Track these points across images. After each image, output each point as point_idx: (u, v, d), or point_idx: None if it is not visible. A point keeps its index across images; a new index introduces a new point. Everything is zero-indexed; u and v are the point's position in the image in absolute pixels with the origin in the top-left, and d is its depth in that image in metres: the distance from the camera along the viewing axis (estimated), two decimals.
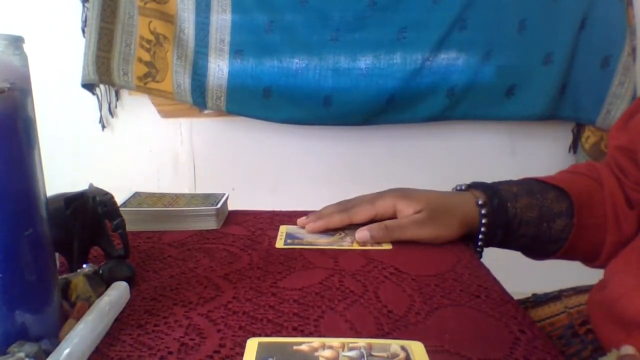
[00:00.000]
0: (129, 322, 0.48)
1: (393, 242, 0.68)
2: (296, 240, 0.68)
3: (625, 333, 0.48)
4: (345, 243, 0.67)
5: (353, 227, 0.73)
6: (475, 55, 1.53)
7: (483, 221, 0.63)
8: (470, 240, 0.66)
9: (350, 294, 0.54)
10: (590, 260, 0.66)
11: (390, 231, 0.64)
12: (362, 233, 0.65)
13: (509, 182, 0.67)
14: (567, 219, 0.62)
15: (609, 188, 0.62)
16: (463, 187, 0.68)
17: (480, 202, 0.63)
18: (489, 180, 0.70)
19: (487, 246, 0.66)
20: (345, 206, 0.68)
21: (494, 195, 0.64)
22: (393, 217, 0.66)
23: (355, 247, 0.67)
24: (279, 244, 0.67)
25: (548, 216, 0.63)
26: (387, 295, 0.54)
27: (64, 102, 1.65)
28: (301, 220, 0.69)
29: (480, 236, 0.63)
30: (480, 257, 0.66)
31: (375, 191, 0.70)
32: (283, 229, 0.72)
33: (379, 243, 0.68)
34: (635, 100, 0.65)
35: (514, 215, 0.63)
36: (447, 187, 0.69)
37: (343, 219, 0.67)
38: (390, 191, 0.67)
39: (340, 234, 0.70)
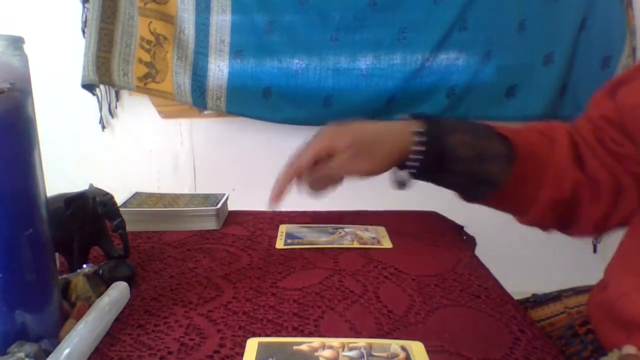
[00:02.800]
0: (129, 322, 0.48)
1: (392, 238, 0.68)
2: (296, 240, 0.68)
3: (626, 333, 0.48)
4: (346, 241, 0.68)
5: (353, 225, 0.73)
6: (475, 55, 1.53)
7: (414, 148, 0.60)
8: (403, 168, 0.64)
9: (350, 294, 0.54)
10: (521, 213, 0.64)
11: (323, 170, 0.62)
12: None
13: (456, 119, 0.66)
14: (504, 164, 0.60)
15: (560, 146, 0.61)
16: (406, 117, 0.66)
17: (415, 131, 0.61)
18: None
19: (418, 176, 0.63)
20: (287, 163, 0.66)
21: (437, 126, 0.62)
22: (328, 153, 0.63)
23: (356, 245, 0.67)
24: (279, 244, 0.67)
25: (485, 156, 0.61)
26: (387, 295, 0.54)
27: (64, 102, 1.65)
28: (269, 202, 0.67)
29: (408, 163, 0.61)
30: (405, 185, 0.64)
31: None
32: (283, 229, 0.72)
33: (379, 242, 0.68)
34: (624, 71, 0.64)
35: (450, 149, 0.61)
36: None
37: (289, 173, 0.65)
38: (323, 130, 0.65)
39: (340, 233, 0.70)
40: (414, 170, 0.62)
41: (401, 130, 0.62)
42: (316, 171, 0.63)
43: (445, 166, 0.61)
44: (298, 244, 0.67)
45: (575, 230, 0.63)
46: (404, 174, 0.63)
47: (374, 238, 0.69)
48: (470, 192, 0.65)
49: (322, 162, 0.63)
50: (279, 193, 0.65)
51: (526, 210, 0.63)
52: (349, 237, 0.69)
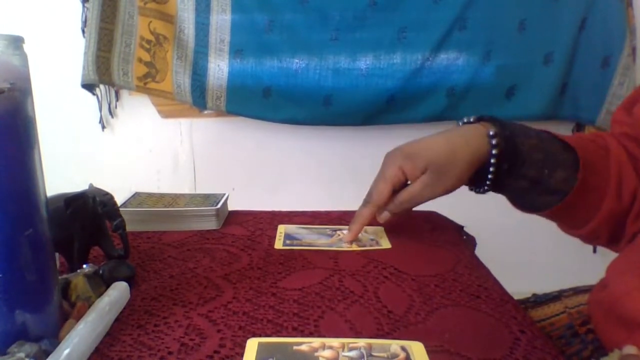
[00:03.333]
0: (129, 322, 0.48)
1: (392, 238, 0.68)
2: (295, 241, 0.68)
3: (627, 333, 0.48)
4: (344, 244, 0.67)
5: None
6: (475, 55, 1.53)
7: (494, 152, 0.58)
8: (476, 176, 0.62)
9: (350, 294, 0.54)
10: (578, 225, 0.62)
11: (403, 203, 0.63)
12: (382, 215, 0.66)
13: (521, 123, 0.63)
14: (570, 172, 0.58)
15: (615, 155, 0.59)
16: (472, 120, 0.64)
17: (491, 133, 0.59)
18: None
19: (493, 184, 0.61)
20: (366, 199, 0.67)
21: (505, 127, 0.60)
22: (404, 181, 0.64)
23: (354, 247, 0.67)
24: (278, 244, 0.67)
25: (552, 163, 0.59)
26: (387, 295, 0.54)
27: (64, 102, 1.65)
28: (346, 237, 0.68)
29: (491, 169, 0.58)
30: (484, 191, 0.62)
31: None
32: (281, 229, 0.72)
33: (378, 243, 0.68)
34: (637, 86, 0.63)
35: (521, 152, 0.58)
36: None
37: (370, 210, 0.66)
38: (394, 156, 0.64)
39: (339, 235, 0.70)
40: (491, 176, 0.59)
41: (476, 137, 0.60)
42: (393, 202, 0.64)
43: (517, 170, 0.59)
44: (297, 245, 0.67)
45: (619, 245, 0.62)
46: (479, 183, 0.62)
47: (372, 239, 0.69)
48: (533, 202, 0.62)
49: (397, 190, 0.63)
50: (357, 233, 0.67)
51: (585, 222, 0.60)
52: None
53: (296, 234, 0.71)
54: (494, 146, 0.58)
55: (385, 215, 0.66)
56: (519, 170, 0.59)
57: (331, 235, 0.70)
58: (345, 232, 0.71)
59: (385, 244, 0.68)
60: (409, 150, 0.63)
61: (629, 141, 0.59)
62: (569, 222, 0.64)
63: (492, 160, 0.59)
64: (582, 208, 0.60)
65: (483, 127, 0.61)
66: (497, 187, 0.63)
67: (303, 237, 0.70)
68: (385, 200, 0.64)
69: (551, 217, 0.64)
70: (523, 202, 0.64)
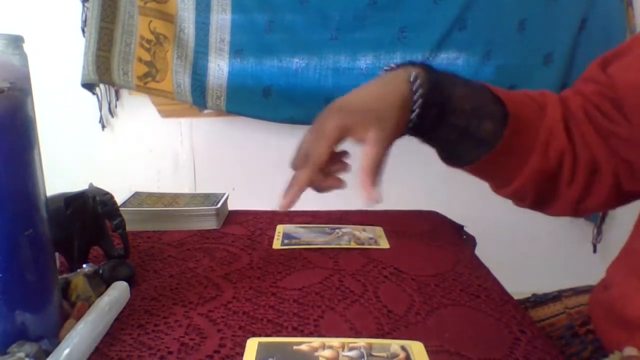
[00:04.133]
0: (129, 322, 0.48)
1: (392, 238, 0.68)
2: (293, 241, 0.68)
3: (628, 334, 0.48)
4: (343, 241, 0.67)
5: (350, 226, 0.73)
6: (475, 55, 1.53)
7: (416, 94, 0.56)
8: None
9: (350, 293, 0.54)
10: (504, 181, 0.61)
11: (369, 168, 0.56)
12: (375, 196, 0.56)
13: (453, 73, 0.61)
14: (498, 124, 0.57)
15: (551, 113, 0.58)
16: (394, 66, 0.62)
17: (413, 75, 0.57)
18: None
19: (418, 131, 0.59)
20: (301, 160, 0.60)
21: (431, 73, 0.58)
22: (343, 137, 0.59)
23: (353, 245, 0.67)
24: (276, 244, 0.67)
25: (480, 114, 0.57)
26: (387, 295, 0.54)
27: (64, 102, 1.64)
28: (282, 203, 0.59)
29: (415, 110, 0.56)
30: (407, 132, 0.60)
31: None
32: (280, 229, 0.72)
33: (376, 242, 0.68)
34: (616, 46, 0.61)
35: (449, 99, 0.57)
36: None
37: (309, 173, 0.58)
38: (329, 112, 0.61)
39: (338, 233, 0.70)
40: (416, 119, 0.57)
41: (401, 81, 0.58)
42: (361, 175, 0.56)
43: (444, 118, 0.57)
44: (295, 244, 0.67)
45: (552, 209, 0.61)
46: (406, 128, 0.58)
47: (371, 238, 0.69)
48: (459, 154, 0.60)
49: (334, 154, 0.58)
50: (294, 198, 0.58)
51: (511, 179, 0.59)
52: (346, 238, 0.69)
53: (294, 233, 0.71)
54: (417, 88, 0.56)
55: (377, 195, 0.56)
56: (448, 119, 0.57)
57: (329, 234, 0.70)
58: (344, 230, 0.71)
59: (384, 243, 0.68)
60: (342, 104, 0.60)
61: (602, 100, 0.56)
62: (496, 179, 0.63)
63: (416, 102, 0.56)
64: (508, 163, 0.59)
65: (405, 71, 0.58)
66: (427, 138, 0.61)
67: (301, 237, 0.70)
68: (325, 160, 0.58)
69: (478, 173, 0.62)
70: (450, 154, 0.62)
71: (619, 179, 0.55)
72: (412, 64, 0.60)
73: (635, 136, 0.52)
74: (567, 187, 0.58)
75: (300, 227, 0.73)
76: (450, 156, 0.62)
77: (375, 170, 0.56)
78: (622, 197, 0.57)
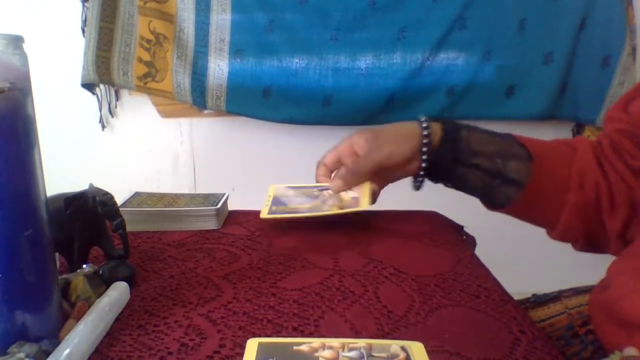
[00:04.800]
0: (129, 322, 0.48)
1: (392, 238, 0.68)
2: (280, 207, 0.69)
3: (627, 334, 0.48)
4: (326, 207, 0.68)
5: (335, 194, 0.73)
6: (475, 55, 1.53)
7: (425, 132, 0.62)
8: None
9: (350, 294, 0.54)
10: (549, 223, 0.63)
11: (352, 171, 0.66)
12: (335, 183, 0.67)
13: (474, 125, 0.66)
14: (525, 163, 0.60)
15: (582, 154, 0.61)
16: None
17: (423, 119, 0.64)
18: None
19: (437, 174, 0.64)
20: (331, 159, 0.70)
21: (451, 122, 0.64)
22: (354, 152, 0.68)
23: (335, 210, 0.68)
24: (264, 212, 0.70)
25: (504, 154, 0.61)
26: (387, 295, 0.54)
27: (64, 102, 1.65)
28: (320, 177, 0.71)
29: (424, 149, 0.62)
30: (419, 187, 0.66)
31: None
32: (271, 191, 0.75)
33: (357, 202, 0.68)
34: (635, 84, 0.63)
35: (467, 141, 0.61)
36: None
37: (319, 169, 0.70)
38: (348, 135, 0.70)
39: (325, 195, 0.71)
40: (425, 164, 0.62)
41: (413, 124, 0.65)
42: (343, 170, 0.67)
43: (463, 160, 0.61)
44: (282, 212, 0.69)
45: (607, 248, 0.63)
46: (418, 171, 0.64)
47: (354, 198, 0.69)
48: (495, 195, 0.63)
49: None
50: (341, 186, 0.67)
51: (555, 218, 0.62)
52: (330, 202, 0.70)
53: (283, 197, 0.72)
54: (424, 128, 0.63)
55: (337, 184, 0.67)
56: (470, 160, 0.61)
57: (317, 197, 0.71)
58: (328, 195, 0.72)
59: (365, 203, 0.67)
60: (360, 130, 0.69)
61: (622, 137, 0.59)
62: (540, 221, 0.65)
63: (425, 141, 0.62)
64: (545, 203, 0.61)
65: (421, 119, 0.65)
66: (453, 180, 0.64)
67: (289, 202, 0.71)
68: (328, 162, 0.69)
69: (521, 214, 0.65)
70: (486, 196, 0.65)
71: None
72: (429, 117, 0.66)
73: None
74: (610, 218, 0.59)
75: (290, 187, 0.76)
76: (488, 199, 0.64)
77: (349, 173, 0.66)
78: None
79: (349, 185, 0.67)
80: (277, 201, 0.71)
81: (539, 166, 0.60)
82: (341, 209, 0.67)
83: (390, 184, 0.71)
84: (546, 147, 0.63)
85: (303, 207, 0.69)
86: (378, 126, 0.68)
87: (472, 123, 0.65)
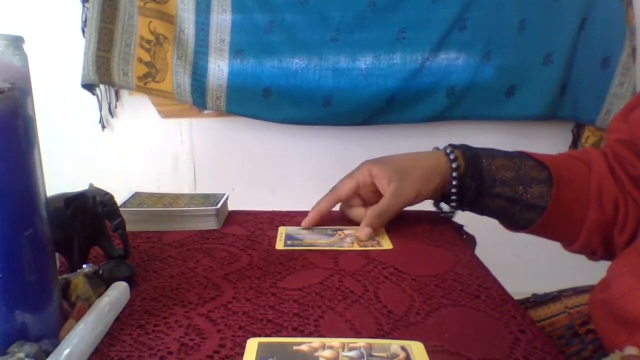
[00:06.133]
0: (129, 322, 0.48)
1: (392, 238, 0.68)
2: (296, 242, 0.68)
3: (628, 333, 0.48)
4: (346, 244, 0.67)
5: (353, 227, 0.73)
6: (475, 55, 1.53)
7: (453, 165, 0.62)
8: (445, 200, 0.66)
9: (350, 294, 0.54)
10: (569, 239, 0.64)
11: (379, 216, 0.66)
12: (363, 231, 0.66)
13: (490, 148, 0.67)
14: (546, 187, 0.61)
15: (597, 168, 0.61)
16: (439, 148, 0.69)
17: (449, 151, 0.64)
18: None
19: (462, 204, 0.64)
20: (330, 190, 0.71)
21: (468, 149, 0.64)
22: (372, 184, 0.68)
23: (356, 247, 0.66)
24: (279, 245, 0.67)
25: (525, 179, 0.61)
26: (387, 295, 0.54)
27: (64, 102, 1.65)
28: (303, 222, 0.72)
29: (454, 182, 0.62)
30: (452, 216, 0.67)
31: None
32: (282, 230, 0.72)
33: (379, 243, 0.68)
34: (635, 94, 0.64)
35: (489, 171, 0.62)
36: None
37: (329, 201, 0.69)
38: (364, 162, 0.70)
39: (340, 235, 0.70)
40: (455, 197, 0.63)
41: (436, 155, 0.64)
42: (366, 216, 0.67)
43: (486, 190, 0.61)
44: (298, 245, 0.67)
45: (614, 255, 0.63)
46: (445, 205, 0.64)
47: (373, 239, 0.69)
48: (516, 221, 0.64)
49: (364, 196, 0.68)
50: (313, 218, 0.69)
51: (575, 235, 0.62)
52: (349, 240, 0.69)
53: (297, 234, 0.71)
54: (452, 160, 0.63)
55: (366, 231, 0.67)
56: (491, 190, 0.62)
57: (332, 235, 0.70)
58: (346, 232, 0.71)
59: (387, 244, 0.68)
60: (378, 159, 0.69)
61: (621, 146, 0.59)
62: (560, 238, 0.66)
63: (454, 174, 0.62)
64: (565, 222, 0.62)
65: (445, 149, 0.65)
66: (476, 208, 0.65)
67: (304, 238, 0.69)
68: (346, 194, 0.69)
69: (543, 235, 0.66)
70: (508, 220, 0.66)
71: None
72: (451, 145, 0.66)
73: None
74: (620, 234, 0.60)
75: (303, 228, 0.73)
76: (510, 222, 0.65)
77: (377, 219, 0.66)
78: None
79: (377, 228, 0.67)
80: (290, 237, 0.69)
81: (558, 188, 0.60)
82: (361, 247, 0.67)
83: None
84: (563, 166, 0.63)
85: (321, 242, 0.68)
86: (390, 156, 0.67)
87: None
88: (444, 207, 0.68)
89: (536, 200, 0.61)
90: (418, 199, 0.63)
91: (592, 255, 0.66)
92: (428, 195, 0.63)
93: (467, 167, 0.62)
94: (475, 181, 0.61)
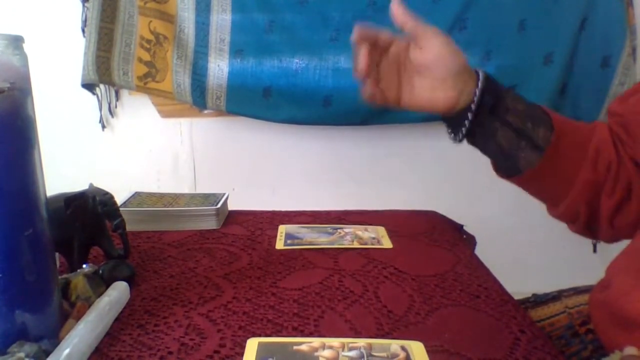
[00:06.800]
0: (129, 322, 0.48)
1: (392, 238, 0.68)
2: (296, 241, 0.68)
3: (627, 333, 0.48)
4: (346, 242, 0.67)
5: (352, 225, 0.73)
6: (475, 55, 1.53)
7: (480, 77, 0.62)
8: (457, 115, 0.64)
9: (350, 294, 0.54)
10: (557, 197, 0.64)
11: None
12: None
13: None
14: (550, 132, 0.61)
15: (599, 135, 0.62)
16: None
17: (478, 70, 0.63)
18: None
19: (476, 120, 0.63)
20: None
21: (489, 76, 0.64)
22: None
23: (356, 245, 0.67)
24: (279, 244, 0.67)
25: (534, 118, 0.62)
26: (387, 295, 0.54)
27: (64, 102, 1.64)
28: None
29: (476, 90, 0.61)
30: (462, 138, 0.65)
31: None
32: (282, 229, 0.72)
33: (379, 242, 0.68)
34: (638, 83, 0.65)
35: (505, 97, 0.62)
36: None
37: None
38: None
39: (340, 233, 0.70)
40: (473, 109, 0.61)
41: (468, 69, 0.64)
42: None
43: (500, 113, 0.61)
44: (298, 244, 0.67)
45: (600, 232, 0.63)
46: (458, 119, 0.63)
47: (374, 238, 0.69)
48: (517, 159, 0.63)
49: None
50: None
51: (564, 193, 0.62)
52: (348, 237, 0.69)
53: (297, 233, 0.71)
54: (477, 73, 0.62)
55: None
56: (504, 115, 0.62)
57: (332, 234, 0.70)
58: (346, 230, 0.71)
59: (387, 243, 0.68)
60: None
61: (619, 127, 0.61)
62: (549, 194, 0.66)
63: (478, 83, 0.61)
64: (561, 173, 0.62)
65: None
66: (484, 134, 0.64)
67: (304, 237, 0.69)
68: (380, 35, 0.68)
69: (533, 183, 0.65)
70: (508, 159, 0.64)
71: None
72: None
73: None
74: (607, 198, 0.60)
75: (303, 227, 0.73)
76: (508, 162, 0.64)
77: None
78: None
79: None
80: (290, 236, 0.69)
81: (559, 137, 0.61)
82: (361, 244, 0.67)
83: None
84: (567, 121, 0.64)
85: (320, 240, 0.68)
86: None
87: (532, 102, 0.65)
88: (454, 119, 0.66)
89: (540, 141, 0.62)
90: (462, 68, 0.62)
91: (574, 222, 0.65)
92: (454, 89, 0.62)
93: (487, 85, 0.62)
94: (492, 99, 0.62)
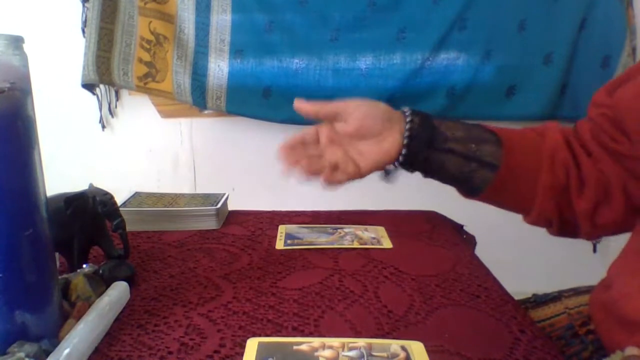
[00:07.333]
0: (129, 322, 0.48)
1: (392, 238, 0.68)
2: (296, 241, 0.68)
3: (628, 333, 0.48)
4: (346, 242, 0.67)
5: (352, 226, 0.73)
6: (475, 55, 1.53)
7: (407, 119, 0.64)
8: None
9: (350, 294, 0.54)
10: (525, 206, 0.64)
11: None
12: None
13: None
14: (496, 147, 0.62)
15: (551, 138, 0.63)
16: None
17: (404, 109, 0.67)
18: None
19: (416, 159, 0.64)
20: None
21: (418, 111, 0.67)
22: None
23: (356, 245, 0.67)
24: (279, 244, 0.67)
25: (476, 139, 0.63)
26: (387, 295, 0.54)
27: (64, 102, 1.64)
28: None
29: (406, 133, 0.64)
30: (393, 174, 0.67)
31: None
32: (282, 229, 0.72)
33: (379, 242, 0.68)
34: (624, 72, 0.64)
35: (439, 127, 0.64)
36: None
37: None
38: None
39: (340, 233, 0.70)
40: (406, 150, 0.63)
41: (396, 112, 0.67)
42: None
43: (439, 145, 0.63)
44: (298, 244, 0.67)
45: (579, 232, 0.63)
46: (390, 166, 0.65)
47: (374, 238, 0.69)
48: (472, 180, 0.64)
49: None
50: (288, 147, 0.71)
51: (530, 201, 0.62)
52: (348, 237, 0.69)
53: (297, 233, 0.71)
54: (406, 114, 0.66)
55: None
56: (444, 145, 0.63)
57: (332, 234, 0.70)
58: (346, 230, 0.71)
59: (387, 243, 0.68)
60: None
61: (605, 121, 0.60)
62: (516, 204, 0.66)
63: (407, 126, 0.64)
64: (519, 185, 0.63)
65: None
66: (431, 168, 0.65)
67: (304, 237, 0.70)
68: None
69: (497, 198, 0.65)
70: (464, 182, 0.65)
71: (629, 195, 0.58)
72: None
73: (637, 153, 0.55)
74: (578, 198, 0.60)
75: (303, 227, 0.73)
76: (465, 185, 0.66)
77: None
78: (637, 215, 0.58)
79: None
80: (290, 236, 0.70)
81: (509, 149, 0.62)
82: (361, 244, 0.67)
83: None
84: (514, 132, 0.65)
85: (320, 240, 0.68)
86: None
87: (472, 123, 0.66)
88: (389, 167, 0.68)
89: (489, 157, 0.62)
90: (388, 124, 0.65)
91: (549, 226, 0.66)
92: (393, 134, 0.64)
93: (420, 122, 0.64)
94: (427, 133, 0.63)
